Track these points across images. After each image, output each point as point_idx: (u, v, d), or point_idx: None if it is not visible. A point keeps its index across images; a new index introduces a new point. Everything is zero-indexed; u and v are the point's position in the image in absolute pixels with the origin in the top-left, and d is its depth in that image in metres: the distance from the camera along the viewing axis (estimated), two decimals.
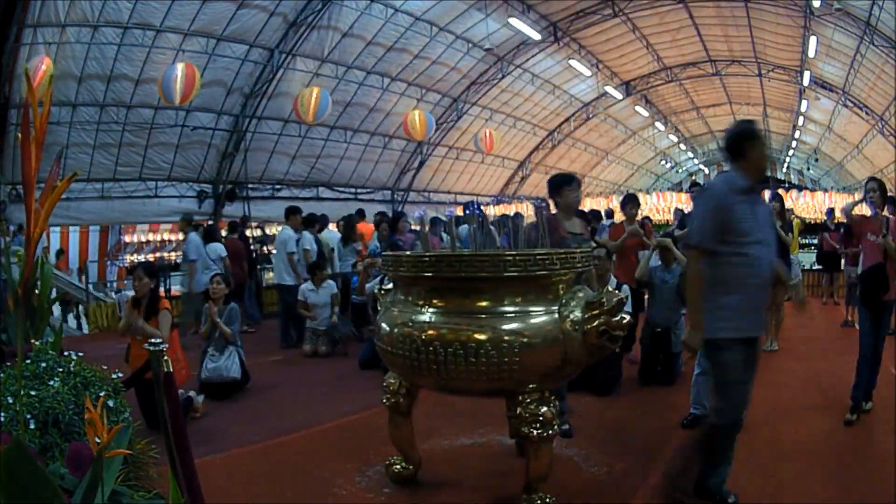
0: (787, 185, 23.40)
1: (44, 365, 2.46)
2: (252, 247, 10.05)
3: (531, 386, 2.61)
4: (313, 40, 12.01)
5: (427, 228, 6.43)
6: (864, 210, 4.71)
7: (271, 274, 9.28)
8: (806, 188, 20.44)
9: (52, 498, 1.35)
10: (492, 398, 2.89)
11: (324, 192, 15.23)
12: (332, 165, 15.16)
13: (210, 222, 10.37)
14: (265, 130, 13.05)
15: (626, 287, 4.81)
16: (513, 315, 2.59)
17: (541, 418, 2.56)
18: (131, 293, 4.62)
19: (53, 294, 5.10)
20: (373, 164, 16.29)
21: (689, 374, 4.01)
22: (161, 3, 9.58)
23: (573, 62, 16.33)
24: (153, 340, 1.90)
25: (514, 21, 13.25)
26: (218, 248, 7.64)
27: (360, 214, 9.20)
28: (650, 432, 3.84)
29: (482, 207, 5.11)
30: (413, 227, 7.08)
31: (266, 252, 11.69)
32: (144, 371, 3.89)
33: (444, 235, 6.47)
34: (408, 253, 3.64)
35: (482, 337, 2.54)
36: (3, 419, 2.01)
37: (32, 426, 2.10)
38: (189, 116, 11.52)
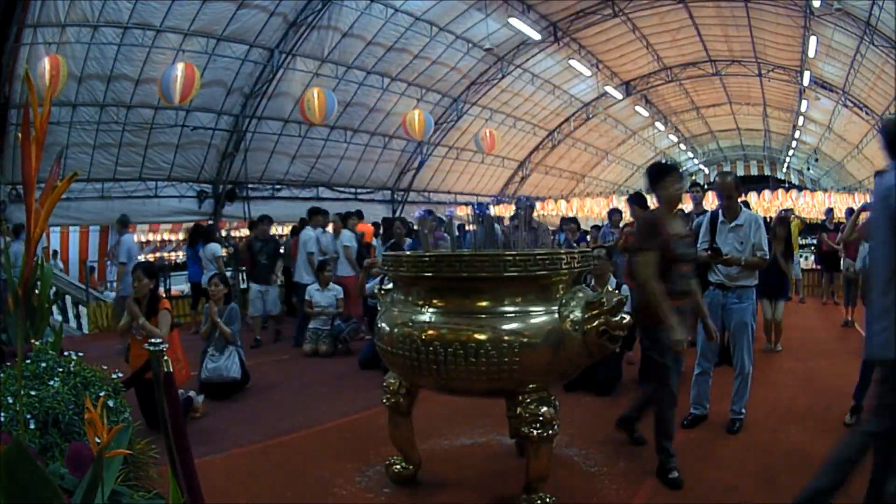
0: (787, 185, 23.41)
1: (44, 365, 2.46)
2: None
3: (531, 386, 2.61)
4: (313, 40, 12.02)
5: (426, 229, 6.43)
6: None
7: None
8: (806, 188, 20.45)
9: (52, 498, 1.35)
10: (492, 398, 2.89)
11: (324, 192, 15.24)
12: (332, 165, 15.17)
13: (210, 222, 10.38)
14: (265, 130, 13.06)
15: (626, 287, 4.81)
16: (513, 315, 2.59)
17: (541, 418, 2.56)
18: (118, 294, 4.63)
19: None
20: (373, 164, 16.30)
21: (689, 374, 4.00)
22: (161, 3, 9.59)
23: (573, 62, 16.34)
24: (153, 340, 1.90)
25: (514, 21, 13.26)
26: (215, 249, 7.63)
27: (359, 216, 9.21)
28: (650, 432, 3.83)
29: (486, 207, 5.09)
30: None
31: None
32: (144, 371, 3.89)
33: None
34: (408, 253, 3.64)
35: (482, 337, 2.53)
36: (3, 419, 2.01)
37: (32, 426, 2.09)
38: (189, 116, 11.53)
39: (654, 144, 26.10)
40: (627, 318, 2.53)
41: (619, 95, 19.25)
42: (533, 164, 21.61)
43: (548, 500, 2.64)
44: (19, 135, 1.38)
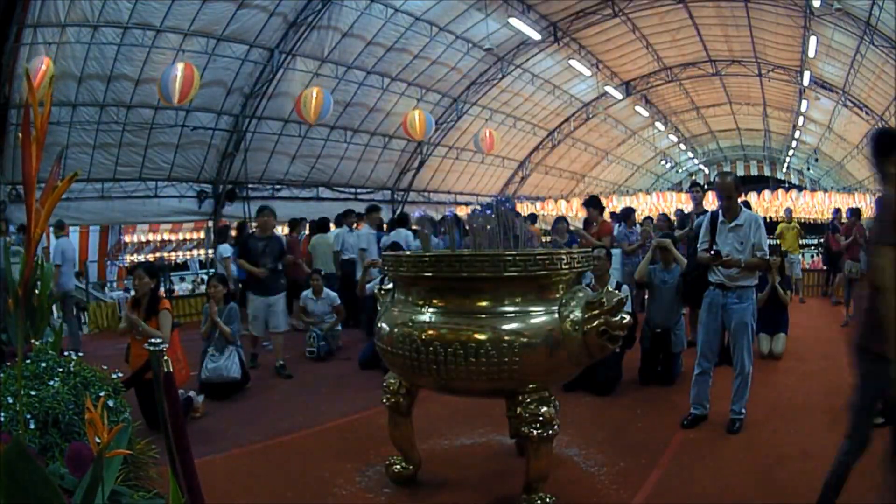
0: (787, 185, 23.41)
1: (44, 365, 2.46)
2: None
3: (531, 386, 2.61)
4: (313, 40, 12.01)
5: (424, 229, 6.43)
6: None
7: None
8: (806, 188, 20.45)
9: (52, 498, 1.35)
10: (492, 398, 2.89)
11: (324, 192, 15.23)
12: (332, 165, 15.16)
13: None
14: (265, 130, 13.05)
15: (626, 287, 4.81)
16: (513, 315, 2.59)
17: (541, 418, 2.56)
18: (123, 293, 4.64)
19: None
20: (373, 164, 16.29)
21: (689, 374, 4.01)
22: (161, 3, 9.58)
23: (573, 62, 16.33)
24: (153, 340, 1.90)
25: (514, 21, 13.25)
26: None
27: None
28: (650, 432, 3.84)
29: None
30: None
31: None
32: (144, 371, 3.89)
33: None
34: (408, 253, 3.64)
35: (482, 337, 2.54)
36: (3, 419, 2.01)
37: (32, 426, 2.10)
38: (189, 116, 11.52)
39: (654, 144, 26.08)
40: (627, 318, 2.53)
41: (619, 95, 19.24)
42: (533, 164, 21.60)
43: (548, 500, 2.64)
44: (19, 135, 1.38)
